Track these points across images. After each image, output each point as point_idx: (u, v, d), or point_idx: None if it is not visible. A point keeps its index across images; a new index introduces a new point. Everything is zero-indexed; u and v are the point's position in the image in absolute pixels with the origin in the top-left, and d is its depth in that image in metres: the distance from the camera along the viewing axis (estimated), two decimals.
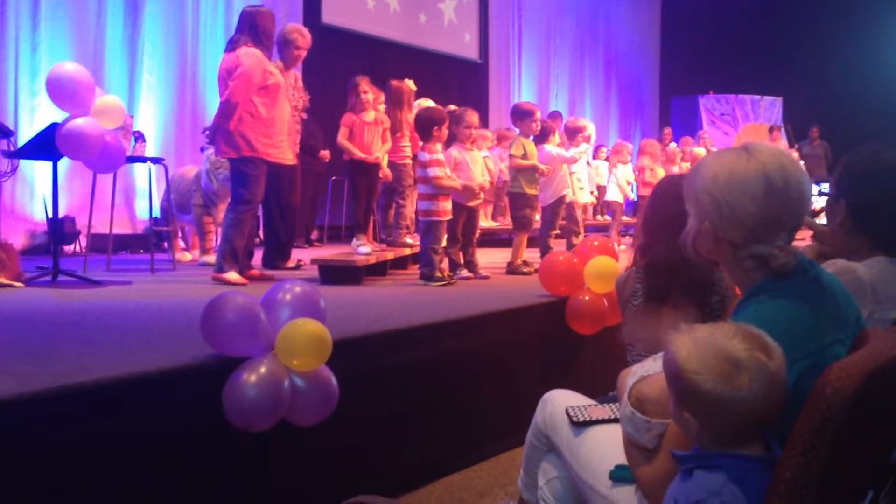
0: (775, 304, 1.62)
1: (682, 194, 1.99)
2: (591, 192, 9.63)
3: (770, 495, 1.38)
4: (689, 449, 1.56)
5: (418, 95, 6.91)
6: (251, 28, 5.38)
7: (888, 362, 1.42)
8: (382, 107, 6.48)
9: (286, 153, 5.55)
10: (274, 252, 6.47)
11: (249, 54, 5.25)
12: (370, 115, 6.11)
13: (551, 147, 6.82)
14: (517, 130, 6.47)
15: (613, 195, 9.52)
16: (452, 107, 6.60)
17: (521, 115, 6.36)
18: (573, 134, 7.70)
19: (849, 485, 1.43)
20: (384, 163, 6.41)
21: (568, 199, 7.09)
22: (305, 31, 6.22)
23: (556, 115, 10.17)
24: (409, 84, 6.64)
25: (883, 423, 1.46)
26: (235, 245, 5.28)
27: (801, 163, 12.56)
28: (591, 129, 7.93)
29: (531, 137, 6.36)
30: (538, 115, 6.41)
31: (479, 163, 5.79)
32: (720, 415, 1.47)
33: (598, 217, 10.89)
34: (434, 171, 5.24)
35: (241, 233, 5.30)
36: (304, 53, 6.21)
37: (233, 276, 5.20)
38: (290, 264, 6.38)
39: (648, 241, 3.06)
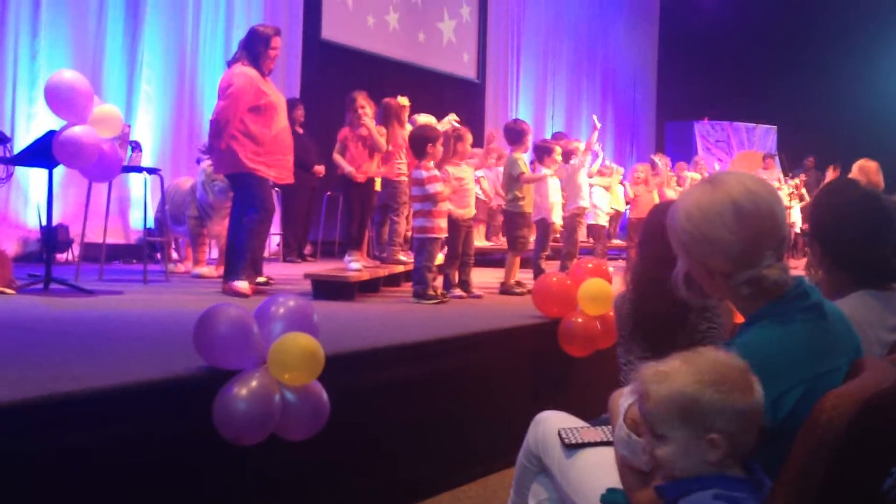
0: (775, 331, 1.63)
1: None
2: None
3: None
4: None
5: (416, 112, 6.89)
6: (246, 46, 5.36)
7: (883, 392, 1.43)
8: (371, 122, 6.32)
9: (281, 172, 5.45)
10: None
11: (241, 74, 5.21)
12: (365, 131, 6.10)
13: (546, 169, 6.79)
14: (507, 150, 6.50)
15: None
16: (457, 123, 6.61)
17: (515, 134, 6.41)
18: (567, 157, 7.67)
19: None
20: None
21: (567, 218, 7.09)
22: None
23: (558, 136, 10.13)
24: (402, 100, 6.58)
25: (877, 451, 1.47)
26: (248, 255, 5.26)
27: (803, 190, 12.59)
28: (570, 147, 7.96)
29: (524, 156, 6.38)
30: (530, 135, 6.48)
31: (470, 176, 5.92)
32: (687, 454, 1.50)
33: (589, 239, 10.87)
34: (435, 187, 5.24)
35: (257, 243, 5.27)
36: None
37: (242, 285, 5.16)
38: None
39: (640, 265, 3.06)
